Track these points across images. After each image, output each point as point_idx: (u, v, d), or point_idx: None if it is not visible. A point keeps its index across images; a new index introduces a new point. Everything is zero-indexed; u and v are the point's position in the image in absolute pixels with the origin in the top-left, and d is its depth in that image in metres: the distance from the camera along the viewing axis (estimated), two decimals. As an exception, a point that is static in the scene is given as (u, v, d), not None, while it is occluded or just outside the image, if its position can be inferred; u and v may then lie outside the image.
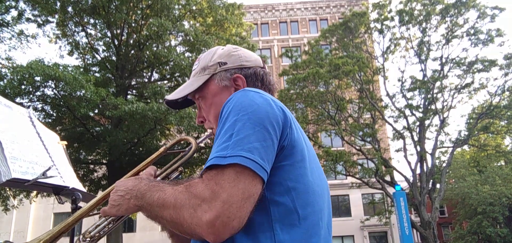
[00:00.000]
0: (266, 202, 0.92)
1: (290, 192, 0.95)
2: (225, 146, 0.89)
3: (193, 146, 1.19)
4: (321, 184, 1.06)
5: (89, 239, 1.14)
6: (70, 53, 16.89)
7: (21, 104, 12.40)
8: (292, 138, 0.98)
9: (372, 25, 22.78)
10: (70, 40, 16.72)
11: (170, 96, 1.26)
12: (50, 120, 14.66)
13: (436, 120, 21.96)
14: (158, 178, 1.15)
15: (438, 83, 21.70)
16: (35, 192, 14.77)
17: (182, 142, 1.29)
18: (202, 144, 1.27)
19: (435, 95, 21.46)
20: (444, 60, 21.67)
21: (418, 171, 21.01)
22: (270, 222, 0.91)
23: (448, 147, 22.94)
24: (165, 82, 17.49)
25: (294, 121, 1.03)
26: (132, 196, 0.99)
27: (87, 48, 16.84)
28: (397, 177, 21.57)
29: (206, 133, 1.27)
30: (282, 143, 0.95)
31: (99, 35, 16.79)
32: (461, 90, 21.89)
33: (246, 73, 1.19)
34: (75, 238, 1.19)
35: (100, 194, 1.14)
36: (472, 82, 21.75)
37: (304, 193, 0.97)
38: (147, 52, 15.88)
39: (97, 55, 16.88)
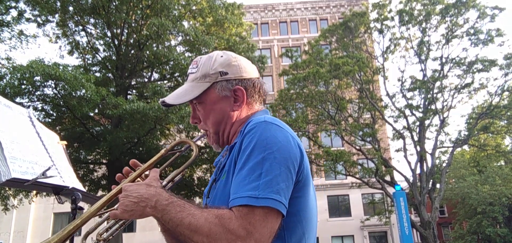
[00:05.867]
0: (282, 230, 1.04)
1: (301, 221, 1.09)
2: (255, 186, 0.98)
3: (194, 151, 1.25)
4: (315, 202, 1.20)
5: (102, 241, 1.17)
6: (70, 53, 16.88)
7: (21, 104, 12.41)
8: (305, 172, 1.10)
9: (372, 25, 22.77)
10: (70, 40, 16.72)
11: (169, 100, 1.28)
12: (50, 120, 14.65)
13: (436, 120, 21.99)
14: (164, 182, 1.19)
15: (438, 83, 21.70)
16: (34, 192, 14.77)
17: (180, 144, 1.32)
18: (201, 144, 1.32)
19: (435, 95, 21.46)
20: (444, 60, 21.66)
21: (418, 171, 21.00)
22: None
23: (448, 147, 22.94)
24: (165, 82, 17.49)
25: (304, 153, 1.14)
26: (148, 205, 1.04)
27: (87, 48, 16.83)
28: (397, 177, 21.59)
29: (200, 134, 1.34)
30: (298, 178, 1.07)
31: (99, 34, 16.80)
32: (461, 90, 21.88)
33: (246, 84, 1.25)
34: (86, 240, 1.20)
35: (108, 194, 1.16)
36: (472, 82, 21.73)
37: (310, 219, 1.12)
38: (147, 52, 15.87)
39: (97, 55, 16.88)
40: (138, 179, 1.19)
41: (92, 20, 16.26)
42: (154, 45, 15.70)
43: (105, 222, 1.19)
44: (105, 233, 1.17)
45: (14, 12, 15.01)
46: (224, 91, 1.23)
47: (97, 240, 1.17)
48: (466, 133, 22.31)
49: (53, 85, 12.70)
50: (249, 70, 1.28)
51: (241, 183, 1.01)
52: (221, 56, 1.26)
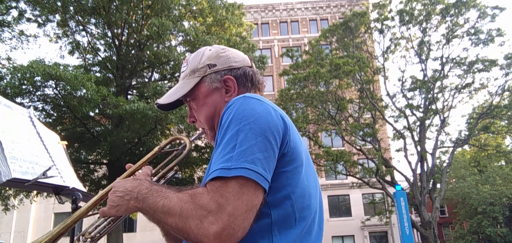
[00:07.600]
0: (267, 207, 0.96)
1: (289, 197, 0.99)
2: (228, 157, 0.91)
3: (187, 146, 1.23)
4: (315, 185, 1.11)
5: (90, 239, 1.16)
6: (71, 53, 16.89)
7: (21, 104, 12.41)
8: (292, 145, 1.01)
9: (372, 25, 22.78)
10: (71, 40, 16.73)
11: (162, 100, 1.28)
12: (50, 120, 14.65)
13: (436, 120, 22.00)
14: (155, 178, 1.18)
15: (438, 83, 21.70)
16: (35, 192, 14.78)
17: (176, 141, 1.31)
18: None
19: (435, 95, 21.46)
20: (444, 60, 21.66)
21: (418, 171, 21.00)
22: (269, 226, 0.96)
23: (448, 147, 22.94)
24: (166, 82, 17.49)
25: (292, 127, 1.06)
26: (132, 197, 1.00)
27: (88, 48, 16.84)
28: (398, 177, 21.66)
29: (197, 132, 1.32)
30: (283, 151, 0.99)
31: (100, 34, 16.81)
32: (462, 90, 21.89)
33: (236, 74, 1.21)
34: (75, 238, 1.19)
35: (98, 194, 1.15)
36: (473, 82, 21.75)
37: (301, 197, 1.02)
38: (148, 52, 15.87)
39: (98, 55, 16.88)
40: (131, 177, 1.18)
41: (92, 20, 16.26)
42: (155, 45, 15.70)
43: (97, 221, 1.18)
44: (93, 231, 1.16)
45: (14, 12, 15.04)
46: (214, 83, 1.20)
47: (85, 238, 1.16)
48: (467, 133, 22.31)
49: (53, 85, 12.71)
50: (239, 60, 1.24)
51: (216, 158, 0.95)
52: (210, 50, 1.25)
